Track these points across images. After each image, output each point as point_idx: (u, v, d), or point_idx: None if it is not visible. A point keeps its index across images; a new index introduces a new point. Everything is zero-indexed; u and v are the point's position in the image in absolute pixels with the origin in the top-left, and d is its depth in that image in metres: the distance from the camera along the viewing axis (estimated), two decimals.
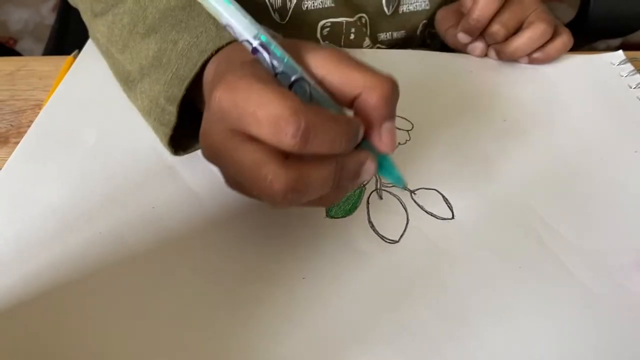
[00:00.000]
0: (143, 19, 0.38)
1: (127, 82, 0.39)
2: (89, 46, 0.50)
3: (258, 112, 0.25)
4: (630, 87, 0.49)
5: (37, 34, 1.79)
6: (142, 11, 0.38)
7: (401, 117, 0.43)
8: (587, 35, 0.77)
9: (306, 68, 0.28)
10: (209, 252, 0.32)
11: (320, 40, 0.54)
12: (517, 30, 0.51)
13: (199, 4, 0.36)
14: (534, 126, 0.44)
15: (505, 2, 0.50)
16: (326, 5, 0.52)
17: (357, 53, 0.53)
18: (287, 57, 0.27)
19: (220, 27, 0.34)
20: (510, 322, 0.30)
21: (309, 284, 0.31)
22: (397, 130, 0.42)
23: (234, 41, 0.33)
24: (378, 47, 0.58)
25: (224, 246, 0.32)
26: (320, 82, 0.28)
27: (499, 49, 0.51)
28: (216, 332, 0.28)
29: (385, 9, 0.56)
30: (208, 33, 0.34)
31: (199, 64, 0.33)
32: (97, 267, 0.31)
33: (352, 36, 0.54)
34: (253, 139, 0.26)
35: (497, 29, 0.50)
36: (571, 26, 0.75)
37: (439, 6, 0.59)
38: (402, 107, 0.44)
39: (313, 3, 0.52)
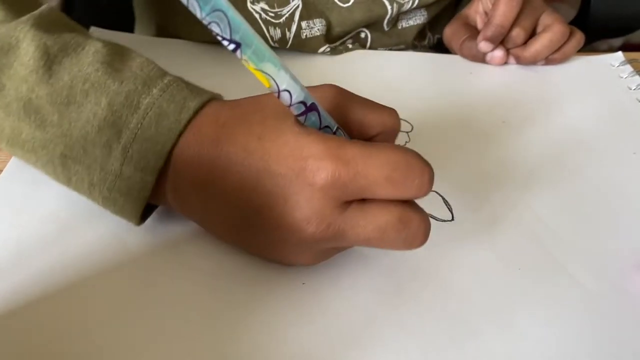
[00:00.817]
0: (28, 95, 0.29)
1: (22, 144, 0.30)
2: None
3: (394, 174, 0.25)
4: (630, 89, 0.49)
5: None
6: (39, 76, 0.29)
7: (402, 119, 0.43)
8: (588, 34, 0.77)
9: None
10: (209, 256, 0.32)
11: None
12: (533, 32, 0.51)
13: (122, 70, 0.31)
14: (533, 128, 0.44)
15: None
16: (324, 32, 0.52)
17: (358, 54, 0.53)
18: (325, 112, 0.28)
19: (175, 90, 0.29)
20: (509, 324, 0.30)
21: (309, 289, 0.31)
22: None
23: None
24: None
25: (223, 251, 0.32)
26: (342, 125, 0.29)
27: (519, 53, 0.51)
28: (215, 337, 0.28)
29: (385, 26, 0.56)
30: (179, 86, 0.30)
31: (178, 130, 0.28)
32: (98, 270, 0.31)
33: (350, 45, 0.54)
34: (368, 200, 0.27)
35: (517, 32, 0.50)
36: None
37: (436, 15, 0.58)
38: (401, 108, 0.44)
39: (311, 31, 0.51)
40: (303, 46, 0.52)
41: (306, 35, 0.51)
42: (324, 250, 0.29)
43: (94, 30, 0.51)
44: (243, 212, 0.28)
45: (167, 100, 0.29)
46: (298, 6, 0.50)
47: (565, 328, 0.30)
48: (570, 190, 0.38)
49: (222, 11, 0.23)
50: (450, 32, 0.54)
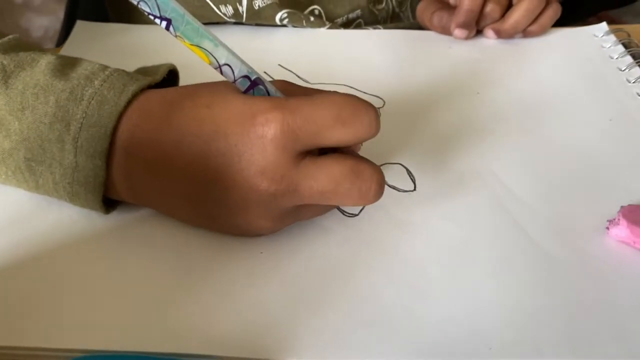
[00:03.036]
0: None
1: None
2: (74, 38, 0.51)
3: (342, 113, 0.27)
4: (612, 58, 0.48)
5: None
6: None
7: (373, 95, 0.44)
8: (588, 6, 0.74)
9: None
10: (169, 229, 0.33)
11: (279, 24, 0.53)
12: (508, 5, 0.51)
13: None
14: (508, 98, 0.44)
15: None
16: (272, 2, 0.52)
17: (332, 34, 0.53)
18: (272, 86, 0.29)
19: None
20: (466, 288, 0.30)
21: (267, 258, 0.31)
22: None
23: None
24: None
25: (183, 225, 0.33)
26: None
27: (498, 27, 0.50)
28: (171, 305, 0.29)
29: None
30: (119, 75, 0.31)
31: (119, 109, 0.30)
32: (64, 244, 0.32)
33: (312, 18, 0.54)
34: (322, 155, 0.28)
35: (491, 7, 0.49)
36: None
37: None
38: (375, 86, 0.44)
39: (263, 0, 0.52)
40: (259, 17, 0.52)
41: (259, 5, 0.51)
42: (282, 213, 0.30)
43: (80, 24, 0.53)
44: (200, 182, 0.29)
45: (108, 88, 0.30)
46: None
47: (523, 290, 0.30)
48: (538, 155, 0.38)
49: None
50: (422, 7, 0.54)
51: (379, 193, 0.29)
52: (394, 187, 0.36)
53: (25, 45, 0.34)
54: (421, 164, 0.38)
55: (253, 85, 0.29)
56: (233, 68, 0.28)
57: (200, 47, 0.27)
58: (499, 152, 0.39)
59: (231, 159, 0.28)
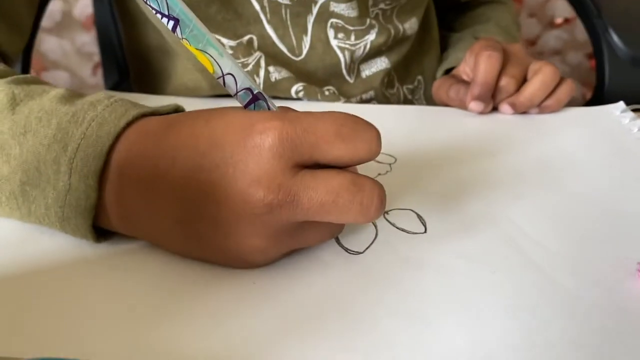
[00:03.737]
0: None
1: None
2: None
3: (343, 129, 0.26)
4: (632, 131, 0.47)
5: None
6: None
7: (384, 154, 0.43)
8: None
9: None
10: (157, 257, 0.31)
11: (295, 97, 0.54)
12: (523, 80, 0.51)
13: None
14: (525, 160, 0.42)
15: (503, 59, 0.50)
16: (288, 75, 0.54)
17: (355, 108, 0.54)
18: (272, 102, 0.29)
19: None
20: (474, 320, 0.26)
21: (260, 288, 0.28)
22: (378, 163, 0.41)
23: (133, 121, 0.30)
24: None
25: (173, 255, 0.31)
26: None
27: (514, 100, 0.50)
28: (157, 333, 0.26)
29: (348, 77, 0.57)
30: (123, 101, 0.31)
31: (115, 133, 0.29)
32: (52, 269, 0.30)
33: (327, 92, 0.55)
34: (318, 166, 0.27)
35: (506, 81, 0.50)
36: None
37: (400, 60, 0.60)
38: (388, 147, 0.44)
39: (279, 74, 0.53)
40: (275, 89, 0.53)
41: (275, 78, 0.53)
42: (278, 231, 0.27)
43: (105, 92, 0.54)
44: (192, 199, 0.27)
45: (110, 111, 0.30)
46: (261, 55, 0.53)
47: (543, 332, 0.26)
48: (556, 204, 0.36)
49: None
50: (438, 84, 0.55)
51: (380, 209, 0.27)
52: (403, 230, 0.33)
53: (39, 81, 0.35)
54: (433, 209, 0.35)
55: (254, 100, 0.28)
56: (236, 78, 0.27)
57: (206, 52, 0.27)
58: (515, 200, 0.36)
59: (225, 170, 0.26)
